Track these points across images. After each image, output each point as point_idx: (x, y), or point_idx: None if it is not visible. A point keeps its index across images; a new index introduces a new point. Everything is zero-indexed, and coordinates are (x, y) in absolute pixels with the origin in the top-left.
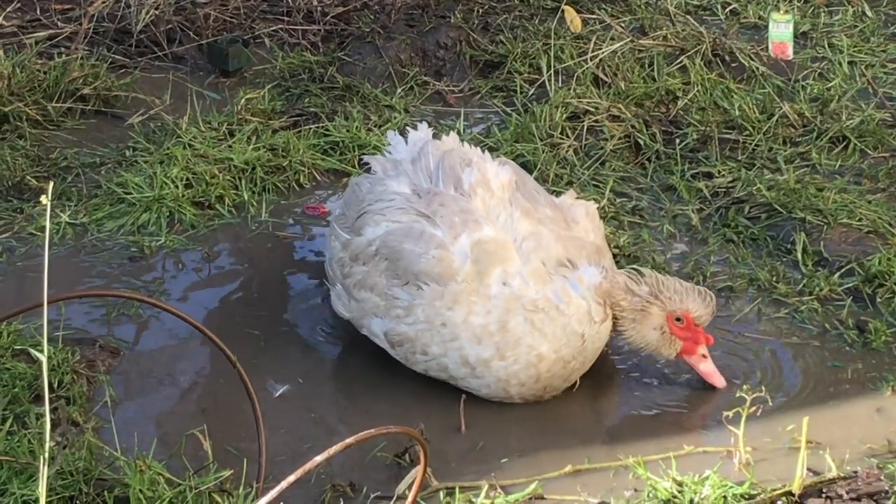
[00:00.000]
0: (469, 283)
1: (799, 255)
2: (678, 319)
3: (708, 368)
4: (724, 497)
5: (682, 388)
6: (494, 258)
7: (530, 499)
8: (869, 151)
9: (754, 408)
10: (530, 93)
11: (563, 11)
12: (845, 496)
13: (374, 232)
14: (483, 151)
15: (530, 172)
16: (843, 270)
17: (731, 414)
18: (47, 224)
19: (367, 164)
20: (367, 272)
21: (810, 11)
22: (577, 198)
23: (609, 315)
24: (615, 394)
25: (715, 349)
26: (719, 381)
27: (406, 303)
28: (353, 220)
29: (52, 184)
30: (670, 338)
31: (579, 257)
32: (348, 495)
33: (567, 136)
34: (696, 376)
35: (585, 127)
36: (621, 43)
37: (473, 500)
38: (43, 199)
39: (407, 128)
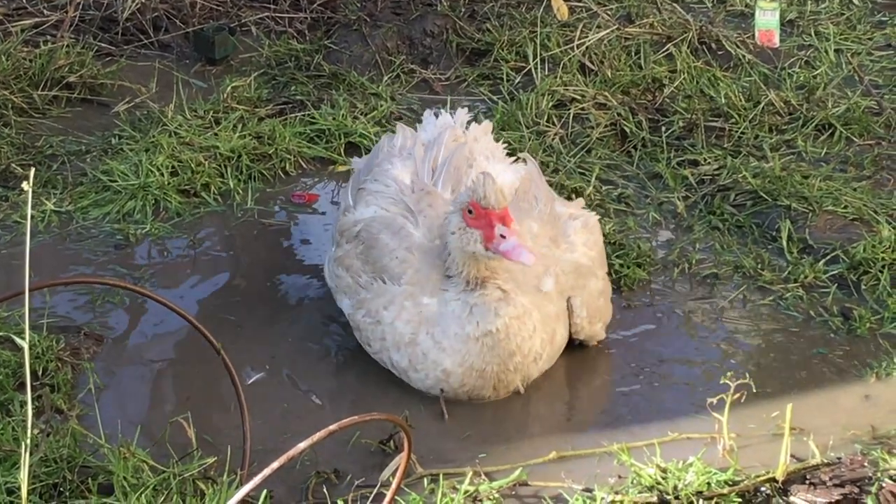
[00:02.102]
0: (411, 286)
1: (784, 243)
2: (470, 212)
3: (507, 246)
4: (708, 483)
5: (666, 375)
6: (436, 268)
7: (515, 485)
8: (854, 139)
9: (738, 394)
10: (517, 81)
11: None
12: (829, 482)
13: (362, 213)
14: (502, 146)
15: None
16: (828, 258)
17: (715, 400)
18: (28, 210)
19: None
20: (347, 252)
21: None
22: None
23: (497, 310)
24: (599, 381)
25: (698, 336)
26: (522, 255)
27: (363, 294)
28: (356, 189)
29: (33, 171)
30: (466, 231)
31: (545, 275)
32: (332, 482)
33: (553, 123)
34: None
35: (572, 115)
36: (608, 31)
37: (458, 486)
38: (24, 185)
39: (448, 110)
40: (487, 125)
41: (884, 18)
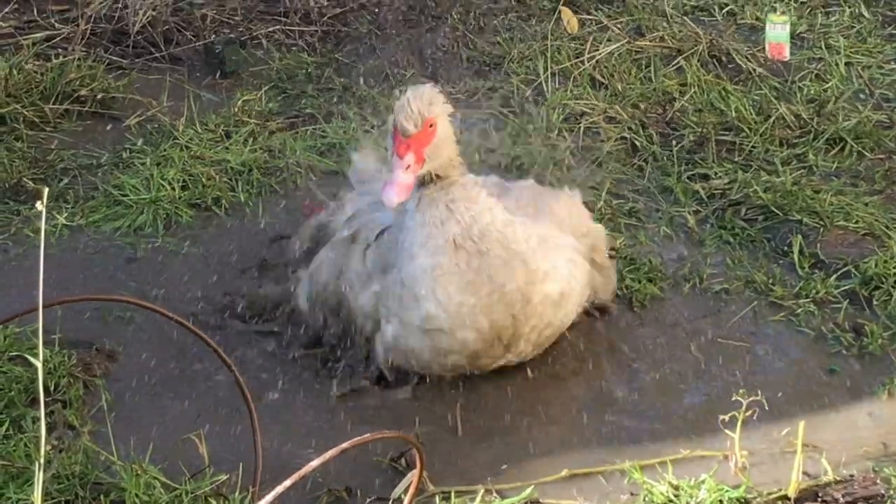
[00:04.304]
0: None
1: (796, 258)
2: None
3: (394, 177)
4: (720, 501)
5: (678, 392)
6: None
7: (526, 503)
8: (866, 153)
9: (750, 411)
10: (527, 94)
11: (559, 12)
12: (841, 500)
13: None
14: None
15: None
16: (839, 273)
17: (726, 418)
18: (42, 230)
19: None
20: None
21: (807, 13)
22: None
23: None
24: (610, 398)
25: (710, 352)
26: (386, 190)
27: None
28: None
29: (47, 189)
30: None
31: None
32: (344, 499)
33: (564, 137)
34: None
35: (582, 128)
36: (618, 44)
37: None
38: (38, 205)
39: None
40: None
41: (894, 32)
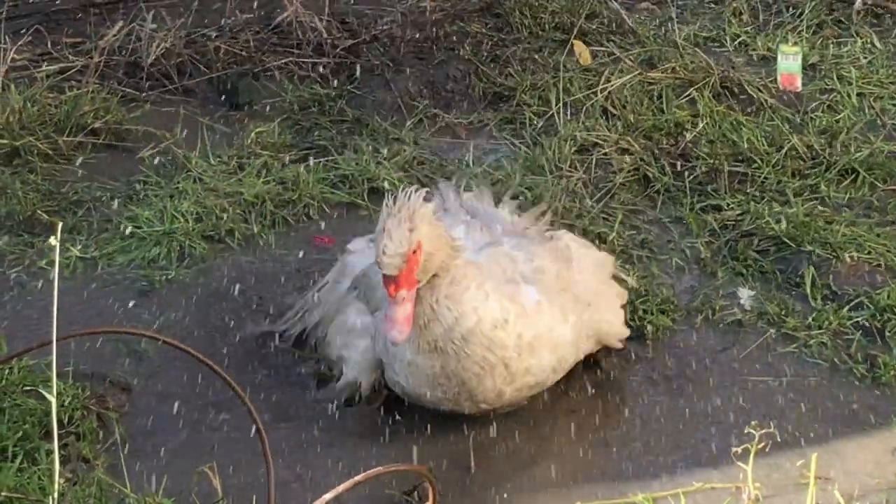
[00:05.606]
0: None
1: (808, 289)
2: None
3: (391, 313)
4: None
5: (690, 424)
6: None
7: None
8: (878, 184)
9: (763, 444)
10: (539, 125)
11: (571, 44)
12: None
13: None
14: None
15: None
16: (852, 304)
17: (739, 450)
18: (56, 262)
19: None
20: None
21: (819, 43)
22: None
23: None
24: (623, 430)
25: (722, 384)
26: (391, 328)
27: None
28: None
29: (61, 223)
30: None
31: None
32: None
33: (576, 168)
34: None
35: (594, 160)
36: (630, 75)
37: None
38: (52, 238)
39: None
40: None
41: None
